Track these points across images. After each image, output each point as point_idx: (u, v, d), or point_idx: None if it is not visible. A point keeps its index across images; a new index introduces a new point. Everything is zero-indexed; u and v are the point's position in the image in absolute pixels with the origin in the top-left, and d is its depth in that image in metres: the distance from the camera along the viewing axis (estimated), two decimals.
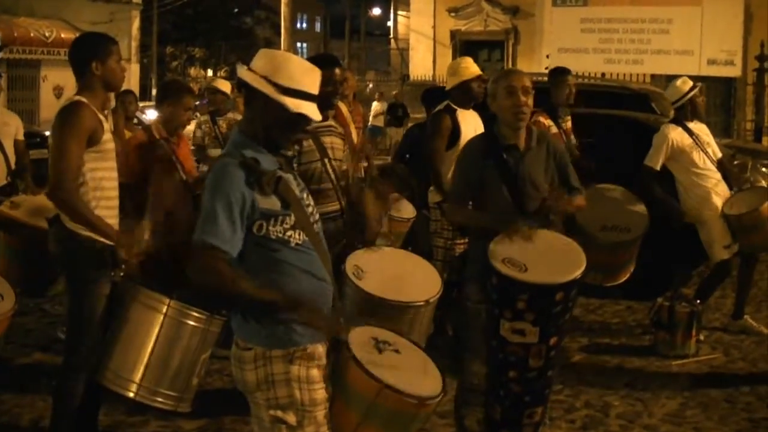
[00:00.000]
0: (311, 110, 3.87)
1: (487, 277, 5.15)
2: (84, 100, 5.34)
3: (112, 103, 9.68)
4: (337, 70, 6.20)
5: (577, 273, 5.05)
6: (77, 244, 5.34)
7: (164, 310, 5.34)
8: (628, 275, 8.29)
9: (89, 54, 5.43)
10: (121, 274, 5.46)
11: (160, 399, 5.41)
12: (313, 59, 6.34)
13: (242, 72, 3.90)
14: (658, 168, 8.50)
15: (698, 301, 8.45)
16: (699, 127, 8.68)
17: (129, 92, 10.96)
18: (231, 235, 3.71)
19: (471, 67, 7.99)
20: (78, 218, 5.29)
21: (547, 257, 5.14)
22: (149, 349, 5.34)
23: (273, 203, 3.78)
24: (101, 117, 5.42)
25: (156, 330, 5.34)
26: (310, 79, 3.90)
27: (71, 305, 5.51)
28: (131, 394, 5.39)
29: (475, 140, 5.91)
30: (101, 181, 5.42)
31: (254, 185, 3.74)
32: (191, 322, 5.38)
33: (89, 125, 5.29)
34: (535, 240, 5.23)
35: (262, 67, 3.86)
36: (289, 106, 3.78)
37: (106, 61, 5.44)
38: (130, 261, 5.46)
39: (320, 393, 3.93)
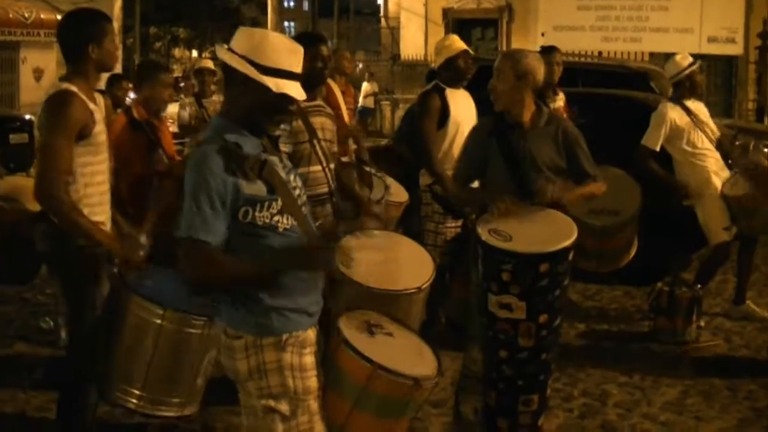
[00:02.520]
0: (294, 90, 3.82)
1: (475, 249, 5.19)
2: (73, 88, 5.05)
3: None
4: (323, 47, 6.19)
5: (563, 245, 5.05)
6: (70, 243, 5.10)
7: (160, 321, 5.26)
8: (626, 261, 8.28)
9: (85, 37, 5.13)
10: (115, 270, 5.31)
11: (164, 407, 5.39)
12: (299, 37, 6.35)
13: (222, 52, 3.85)
14: (657, 148, 8.50)
15: (699, 286, 8.47)
16: (697, 106, 8.69)
17: (120, 77, 10.94)
18: (216, 226, 3.68)
19: (455, 44, 7.99)
20: (67, 225, 5.00)
21: (536, 230, 5.17)
22: (149, 360, 5.28)
23: (258, 189, 3.75)
24: (92, 107, 5.14)
25: (154, 341, 5.26)
26: (293, 57, 3.85)
27: (72, 312, 5.32)
28: (134, 407, 5.36)
29: (485, 119, 5.97)
30: (93, 176, 5.17)
31: (237, 171, 3.70)
32: (191, 330, 5.32)
33: (80, 118, 5.01)
34: (528, 214, 5.25)
35: (241, 47, 3.81)
36: (271, 86, 3.74)
37: (103, 42, 5.16)
38: (131, 264, 5.26)
39: (313, 381, 3.92)
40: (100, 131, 5.20)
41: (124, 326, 5.27)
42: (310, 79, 6.11)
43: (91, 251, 5.13)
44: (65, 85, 5.08)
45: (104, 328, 5.25)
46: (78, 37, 5.17)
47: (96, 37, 5.15)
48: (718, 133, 8.73)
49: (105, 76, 9.25)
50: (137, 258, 5.26)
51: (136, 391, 5.28)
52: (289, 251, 3.81)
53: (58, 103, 5.01)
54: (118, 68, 29.57)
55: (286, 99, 3.82)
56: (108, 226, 5.33)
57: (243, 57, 3.78)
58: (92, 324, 5.23)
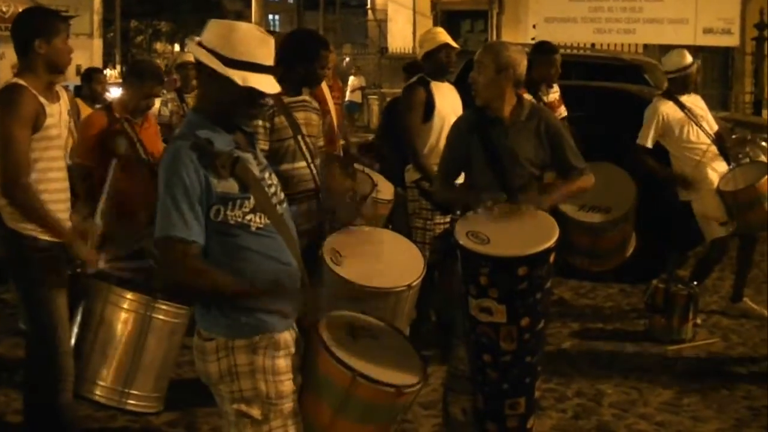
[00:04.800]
0: (263, 83, 3.77)
1: (455, 251, 5.17)
2: (22, 82, 5.12)
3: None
4: (323, 52, 6.20)
5: (540, 247, 5.00)
6: (23, 244, 5.18)
7: (126, 305, 5.29)
8: (621, 260, 8.26)
9: (33, 32, 5.19)
10: (78, 270, 5.35)
11: (131, 401, 5.40)
12: (303, 35, 6.39)
13: (191, 46, 3.83)
14: (649, 145, 8.52)
15: (695, 283, 8.48)
16: (693, 100, 8.70)
17: (97, 70, 10.89)
18: (195, 224, 3.65)
19: (437, 36, 8.00)
20: (32, 217, 5.12)
21: (515, 232, 5.12)
22: (115, 349, 5.30)
23: (230, 186, 3.71)
24: (43, 100, 5.18)
25: (120, 327, 5.29)
26: (262, 49, 3.79)
27: (29, 314, 5.36)
28: (99, 399, 5.35)
29: (465, 114, 5.95)
30: (47, 173, 5.21)
31: (208, 168, 3.66)
32: (159, 316, 5.34)
33: (31, 110, 5.08)
34: (509, 214, 5.23)
35: (210, 40, 3.78)
36: (237, 80, 3.69)
37: (52, 40, 5.20)
38: (89, 259, 5.35)
39: (287, 385, 3.89)
40: (52, 125, 5.23)
41: (90, 317, 5.36)
42: (309, 80, 6.18)
43: (44, 254, 5.19)
44: (14, 79, 5.17)
45: (67, 327, 5.32)
46: (26, 31, 5.25)
47: (44, 33, 5.20)
48: (716, 127, 8.74)
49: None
50: (94, 257, 5.37)
51: (101, 383, 5.31)
52: (271, 283, 3.79)
53: (7, 96, 5.09)
54: (98, 63, 29.52)
55: (255, 92, 3.77)
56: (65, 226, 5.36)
57: (210, 50, 3.75)
58: (51, 326, 5.25)
